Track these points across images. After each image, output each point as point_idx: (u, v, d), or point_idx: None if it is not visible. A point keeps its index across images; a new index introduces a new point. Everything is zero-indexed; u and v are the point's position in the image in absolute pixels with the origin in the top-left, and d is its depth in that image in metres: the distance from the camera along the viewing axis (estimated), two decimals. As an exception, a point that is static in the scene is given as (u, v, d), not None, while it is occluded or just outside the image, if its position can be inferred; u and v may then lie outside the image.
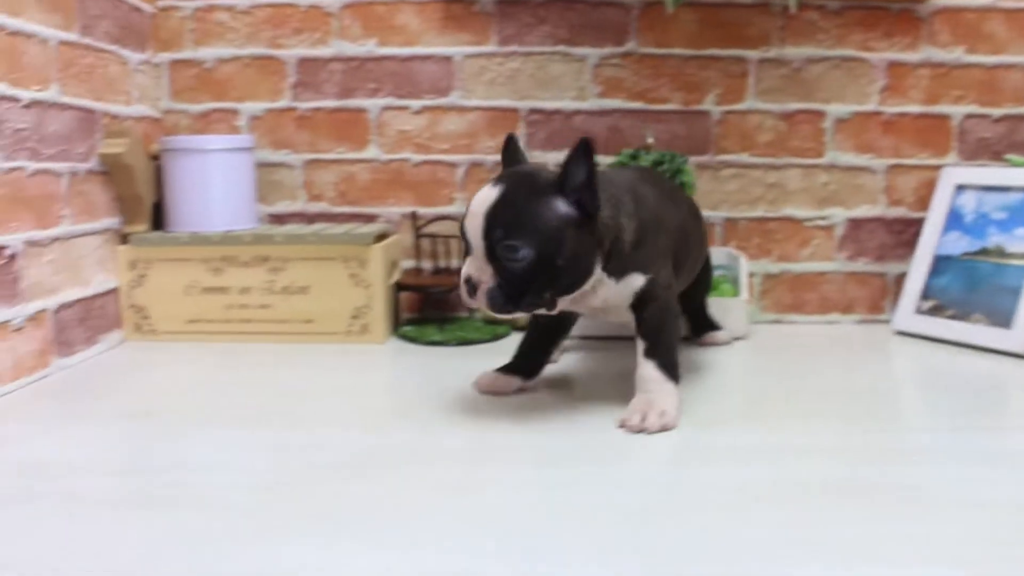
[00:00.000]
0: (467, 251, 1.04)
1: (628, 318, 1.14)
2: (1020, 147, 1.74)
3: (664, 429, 1.05)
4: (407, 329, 1.58)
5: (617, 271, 1.09)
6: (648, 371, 1.11)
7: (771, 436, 1.03)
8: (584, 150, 0.99)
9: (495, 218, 1.00)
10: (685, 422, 1.07)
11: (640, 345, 1.13)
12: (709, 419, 1.10)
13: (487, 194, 1.02)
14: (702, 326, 1.54)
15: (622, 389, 1.16)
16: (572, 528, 0.78)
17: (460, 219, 1.06)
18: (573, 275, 1.03)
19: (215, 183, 1.59)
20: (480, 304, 1.02)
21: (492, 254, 1.00)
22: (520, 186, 1.02)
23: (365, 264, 1.51)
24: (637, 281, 1.10)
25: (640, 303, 1.12)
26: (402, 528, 0.78)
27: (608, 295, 1.10)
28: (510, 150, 1.12)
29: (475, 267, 1.02)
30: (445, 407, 1.15)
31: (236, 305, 1.54)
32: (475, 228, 1.01)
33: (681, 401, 1.10)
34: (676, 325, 1.16)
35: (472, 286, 1.01)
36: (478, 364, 1.27)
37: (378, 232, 1.57)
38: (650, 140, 1.60)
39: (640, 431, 1.04)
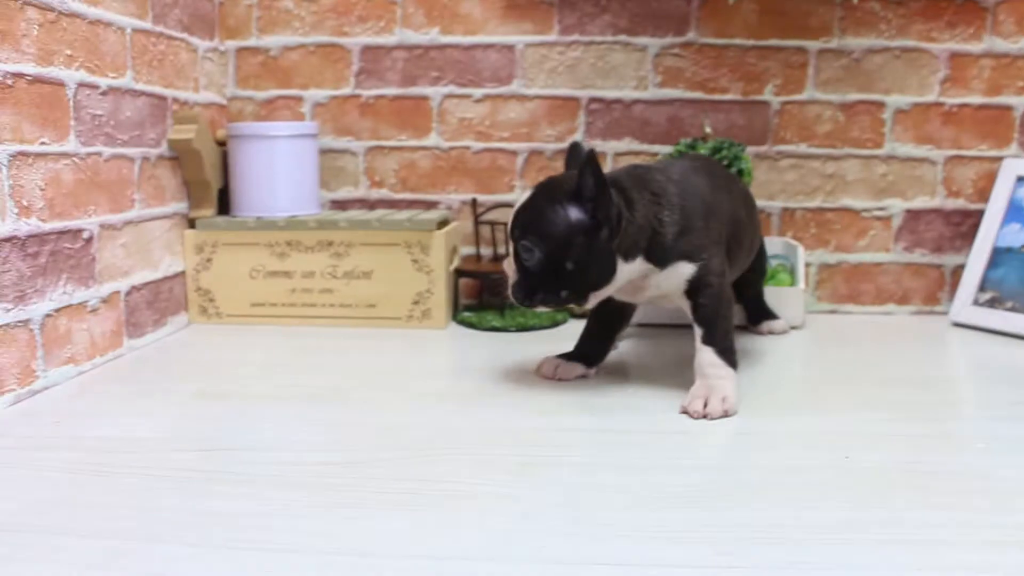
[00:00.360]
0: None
1: (684, 305, 1.16)
2: (1083, 139, 1.72)
3: (726, 415, 1.07)
4: (467, 315, 1.61)
5: (661, 260, 1.12)
6: (707, 357, 1.13)
7: (831, 423, 1.05)
8: (589, 164, 1.04)
9: (518, 219, 1.11)
10: (745, 408, 1.09)
11: (697, 332, 1.15)
12: (768, 406, 1.12)
13: (521, 198, 1.13)
14: (758, 314, 1.55)
15: (682, 376, 1.18)
16: (642, 511, 0.80)
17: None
18: (585, 278, 1.09)
19: (280, 169, 1.63)
20: (511, 297, 1.13)
21: (516, 252, 1.10)
22: (543, 192, 1.11)
23: (427, 250, 1.54)
24: (686, 269, 1.13)
25: (693, 290, 1.14)
26: (476, 507, 0.81)
27: (660, 283, 1.14)
28: (572, 157, 1.22)
29: (508, 262, 1.14)
30: (508, 390, 1.18)
31: (300, 289, 1.58)
32: (509, 227, 1.13)
33: (740, 387, 1.12)
34: (731, 312, 1.18)
35: (506, 281, 1.14)
36: (538, 349, 1.30)
37: (439, 219, 1.60)
38: (708, 129, 1.61)
39: (703, 416, 1.06)
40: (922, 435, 1.02)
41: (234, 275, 1.58)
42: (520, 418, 1.07)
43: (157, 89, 1.50)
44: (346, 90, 1.75)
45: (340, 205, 1.78)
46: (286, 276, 1.58)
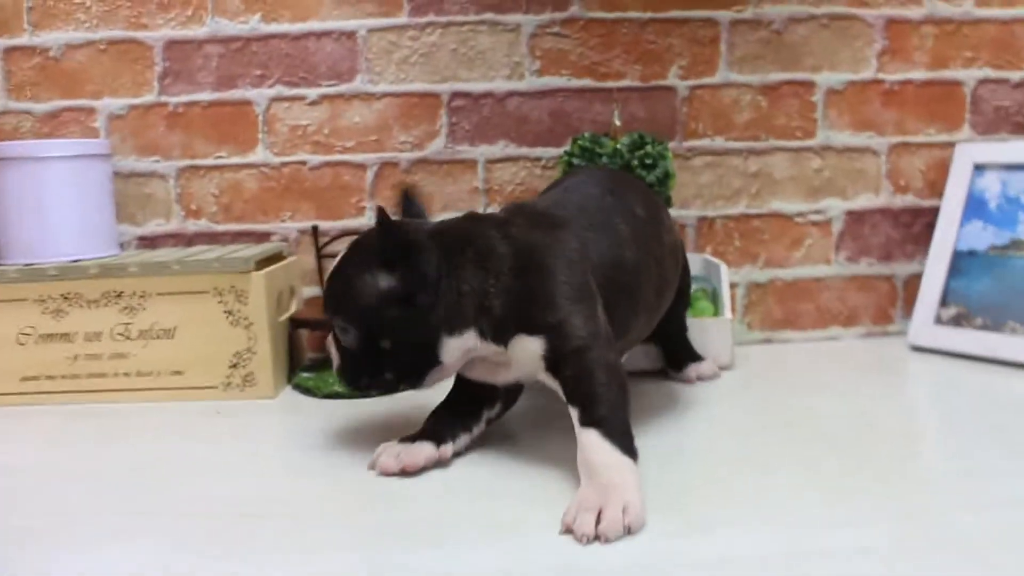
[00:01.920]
0: None
1: (555, 387, 0.87)
2: (1044, 116, 1.45)
3: (628, 532, 0.73)
4: (305, 377, 1.25)
5: (496, 335, 0.88)
6: (592, 445, 0.80)
7: (784, 538, 0.71)
8: (381, 223, 0.87)
9: (327, 292, 0.95)
10: (654, 519, 0.75)
11: (574, 413, 0.83)
12: (688, 512, 0.78)
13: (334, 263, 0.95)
14: (682, 356, 1.23)
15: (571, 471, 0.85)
16: None
17: None
18: (407, 358, 0.90)
19: (57, 200, 1.26)
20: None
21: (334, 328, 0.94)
22: (351, 256, 0.93)
23: (244, 297, 1.18)
24: (530, 344, 0.87)
25: (553, 366, 0.86)
26: None
27: (517, 362, 0.89)
28: (406, 206, 1.02)
29: (329, 339, 0.98)
30: (344, 486, 0.83)
31: (84, 356, 1.21)
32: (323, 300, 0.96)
33: (642, 485, 0.78)
34: (620, 382, 0.85)
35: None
36: (395, 421, 0.95)
37: (263, 254, 1.25)
38: (617, 122, 1.29)
39: (594, 539, 0.72)
40: (895, 521, 0.69)
41: (-2, 341, 1.20)
42: (354, 534, 0.71)
43: None
44: (148, 97, 1.39)
45: (150, 243, 1.41)
46: (65, 339, 1.21)
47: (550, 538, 0.72)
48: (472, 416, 0.95)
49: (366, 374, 0.92)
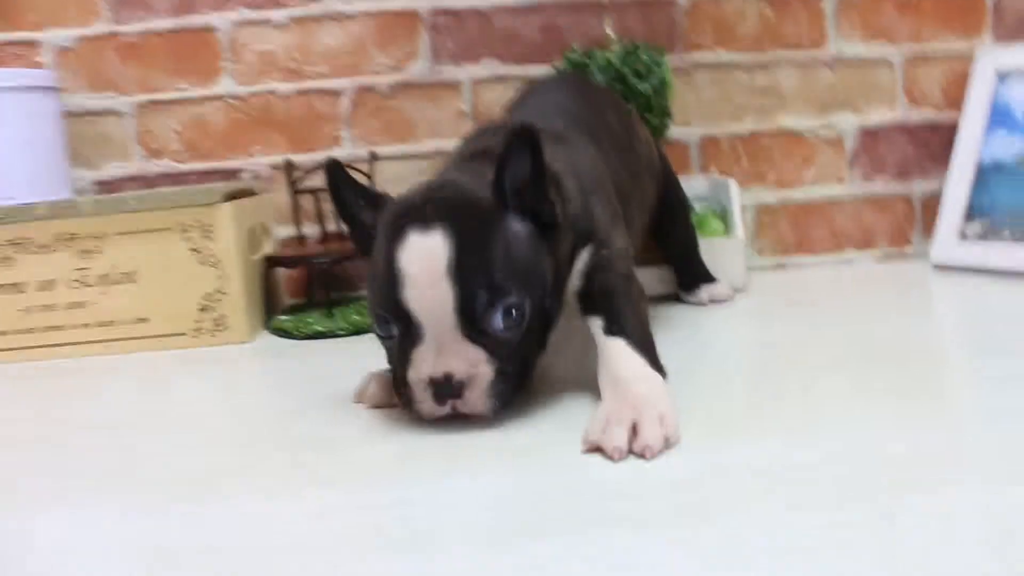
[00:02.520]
0: (407, 338, 0.69)
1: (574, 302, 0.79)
2: (1067, 21, 1.34)
3: (667, 445, 0.62)
4: (283, 319, 1.14)
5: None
6: (620, 355, 0.71)
7: (834, 441, 0.61)
8: (526, 145, 0.69)
9: (469, 277, 0.67)
10: (689, 434, 0.65)
11: (596, 324, 0.75)
12: (717, 424, 0.68)
13: (427, 246, 0.67)
14: (694, 277, 1.14)
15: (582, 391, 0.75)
16: None
17: (383, 292, 0.69)
18: (558, 311, 0.75)
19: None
20: (473, 408, 0.69)
21: (475, 331, 0.68)
22: (467, 219, 0.69)
23: (211, 233, 1.07)
24: (580, 259, 0.78)
25: (587, 276, 0.78)
26: None
27: None
28: (337, 182, 0.77)
29: (449, 359, 0.68)
30: (330, 431, 0.72)
31: (38, 307, 1.09)
32: (436, 302, 0.67)
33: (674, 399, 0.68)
34: (644, 296, 0.79)
35: (454, 387, 0.68)
36: (379, 360, 0.83)
37: (231, 189, 1.13)
38: (610, 32, 1.18)
39: (628, 454, 0.61)
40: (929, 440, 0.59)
41: (-57, 295, 1.09)
42: (348, 484, 0.61)
43: None
44: (99, 27, 1.27)
45: (109, 187, 1.29)
46: (15, 290, 1.10)
47: (573, 457, 0.62)
48: None
49: (531, 365, 0.73)
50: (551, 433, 0.67)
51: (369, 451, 0.68)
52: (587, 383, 0.75)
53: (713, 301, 1.12)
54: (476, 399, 0.68)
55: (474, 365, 0.67)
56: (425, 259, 0.67)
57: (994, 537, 0.47)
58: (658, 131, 1.14)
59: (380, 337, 0.72)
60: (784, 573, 0.44)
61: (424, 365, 0.68)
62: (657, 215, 1.07)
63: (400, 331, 0.69)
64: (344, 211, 0.77)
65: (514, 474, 0.60)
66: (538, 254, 0.71)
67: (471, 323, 0.67)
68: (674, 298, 1.15)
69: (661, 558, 0.47)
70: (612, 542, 0.49)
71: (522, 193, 0.70)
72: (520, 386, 0.71)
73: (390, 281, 0.68)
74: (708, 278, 1.14)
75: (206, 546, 0.53)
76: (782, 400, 0.73)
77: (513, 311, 0.68)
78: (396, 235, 0.69)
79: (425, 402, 0.69)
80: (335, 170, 0.76)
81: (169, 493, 0.62)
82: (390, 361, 0.73)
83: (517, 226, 0.70)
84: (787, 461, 0.59)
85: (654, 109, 1.13)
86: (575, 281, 0.78)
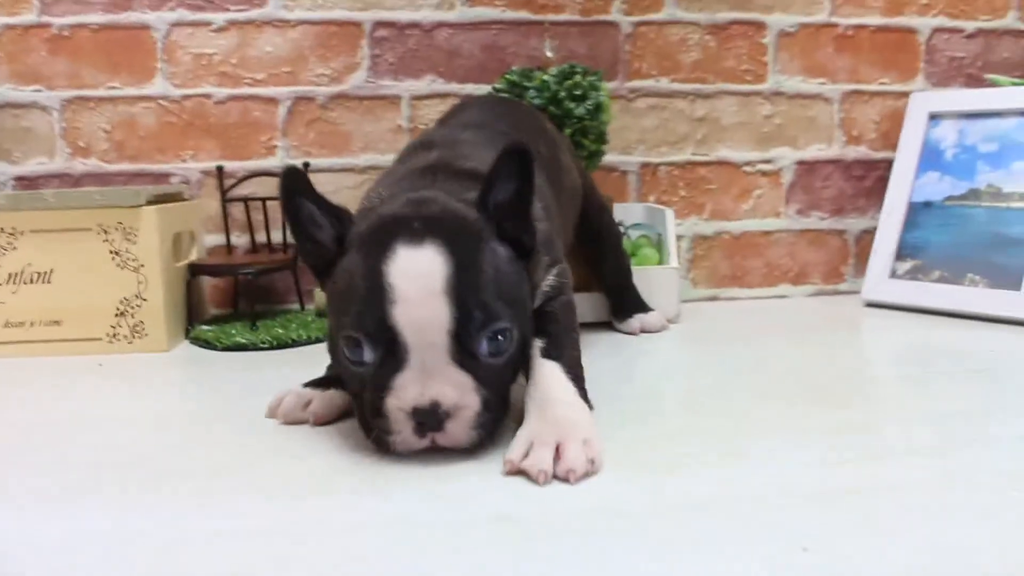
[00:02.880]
0: (387, 361, 0.63)
1: None
2: (998, 68, 1.38)
3: (589, 471, 0.61)
4: (204, 330, 1.11)
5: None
6: (554, 379, 0.69)
7: (748, 476, 0.60)
8: (518, 162, 0.66)
9: (466, 297, 0.63)
10: (609, 464, 0.63)
11: (535, 343, 0.72)
12: (646, 459, 0.66)
13: (421, 262, 0.63)
14: (627, 307, 1.13)
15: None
16: None
17: (362, 311, 0.63)
18: (531, 338, 0.71)
19: (-84, 129, 1.09)
20: (455, 440, 0.63)
21: (465, 355, 0.63)
22: (460, 238, 0.65)
23: (133, 235, 1.04)
24: (546, 281, 0.77)
25: (544, 301, 0.76)
26: None
27: None
28: (290, 186, 0.69)
29: (437, 385, 0.62)
30: (244, 446, 0.69)
31: (-55, 304, 1.05)
32: (430, 321, 0.62)
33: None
34: (577, 326, 0.79)
35: (438, 418, 0.62)
36: (299, 375, 0.80)
37: (159, 192, 1.10)
38: (549, 53, 1.17)
39: (552, 478, 0.60)
40: (883, 486, 0.58)
41: None
42: (262, 501, 0.58)
43: None
44: (28, 16, 1.23)
45: (30, 184, 1.25)
46: (-78, 286, 1.05)
47: (492, 482, 0.60)
48: None
49: (505, 397, 0.67)
50: (470, 459, 0.65)
51: (279, 465, 0.65)
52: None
53: (645, 331, 1.11)
54: (460, 431, 0.63)
55: (463, 393, 0.62)
56: (418, 275, 0.62)
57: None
58: (595, 156, 1.14)
59: (349, 363, 0.65)
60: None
61: (408, 392, 0.62)
62: (589, 243, 1.08)
63: (379, 355, 0.63)
64: (297, 224, 0.69)
65: (430, 496, 0.58)
66: (521, 278, 0.69)
67: (463, 346, 0.63)
68: (608, 326, 1.14)
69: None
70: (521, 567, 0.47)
71: (506, 214, 0.68)
72: (501, 418, 0.66)
73: (373, 298, 0.62)
74: (642, 307, 1.13)
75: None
76: (704, 430, 0.72)
77: (501, 336, 0.64)
78: (381, 250, 0.63)
79: (403, 433, 0.63)
80: (294, 177, 0.68)
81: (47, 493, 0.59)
82: (356, 390, 0.66)
83: (501, 249, 0.68)
84: (705, 492, 0.58)
85: (589, 133, 1.12)
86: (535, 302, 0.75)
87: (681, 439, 0.69)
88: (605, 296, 1.14)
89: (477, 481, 0.60)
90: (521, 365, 0.69)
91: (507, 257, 0.67)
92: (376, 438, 0.64)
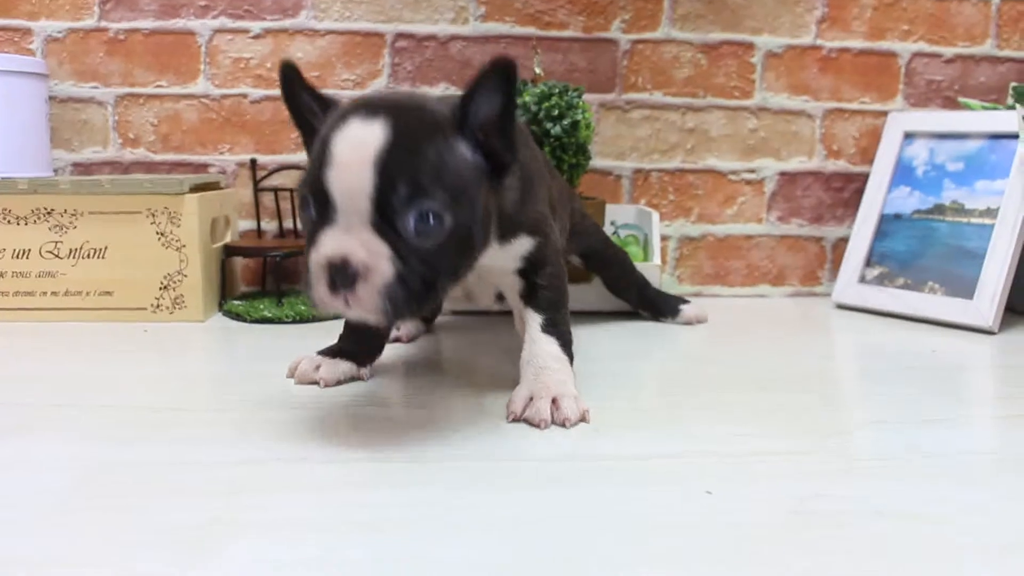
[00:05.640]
0: (320, 220, 0.69)
1: (511, 286, 0.87)
2: (974, 92, 1.49)
3: (583, 419, 0.77)
4: (235, 304, 1.25)
5: (504, 233, 0.81)
6: (549, 349, 0.84)
7: (689, 442, 0.74)
8: (502, 75, 0.69)
9: (394, 169, 0.66)
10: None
11: (534, 319, 0.85)
12: (612, 420, 0.80)
13: (363, 133, 0.67)
14: (668, 305, 1.26)
15: (491, 373, 0.86)
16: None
17: (310, 173, 0.70)
18: (479, 248, 0.74)
19: (-11, 117, 1.24)
20: (363, 306, 0.67)
21: (387, 226, 0.67)
22: (413, 121, 0.69)
23: (176, 219, 1.18)
24: (524, 245, 0.84)
25: (531, 268, 0.86)
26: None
27: (489, 263, 0.80)
28: (292, 85, 0.76)
29: (355, 244, 0.66)
30: (255, 402, 0.83)
31: (12, 273, 1.19)
32: (354, 185, 0.66)
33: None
34: (568, 298, 0.89)
35: (348, 276, 0.66)
36: (319, 346, 0.94)
37: (199, 181, 1.24)
38: (538, 70, 1.29)
39: (550, 424, 0.76)
40: (809, 454, 0.71)
41: (-76, 257, 1.19)
42: (285, 446, 0.72)
43: None
44: (89, 21, 1.37)
45: (85, 169, 1.40)
46: (-8, 257, 1.19)
47: (496, 428, 0.74)
48: (384, 337, 0.95)
49: (439, 284, 0.70)
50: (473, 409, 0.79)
51: (288, 415, 0.79)
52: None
53: (699, 320, 1.25)
54: (367, 296, 0.66)
55: (373, 257, 0.66)
56: (355, 144, 0.67)
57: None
58: (576, 168, 1.22)
59: (304, 219, 0.71)
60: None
61: (325, 247, 0.67)
62: (601, 271, 1.22)
63: (316, 213, 0.69)
64: (298, 115, 0.77)
65: (437, 442, 0.72)
66: (476, 182, 0.71)
67: (383, 215, 0.66)
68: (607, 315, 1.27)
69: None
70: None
71: (484, 128, 0.71)
72: (418, 303, 0.69)
73: (318, 162, 0.68)
74: (680, 300, 1.26)
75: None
76: (653, 404, 0.85)
77: (431, 217, 0.67)
78: (338, 122, 0.69)
79: (319, 288, 0.68)
80: (290, 73, 0.74)
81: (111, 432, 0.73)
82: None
83: (464, 149, 0.71)
84: (639, 450, 0.71)
85: (568, 148, 1.20)
86: (512, 262, 0.84)
87: (646, 408, 0.83)
88: (639, 309, 1.26)
89: (476, 428, 0.74)
90: (461, 264, 0.72)
91: (468, 159, 0.71)
92: (307, 290, 0.69)
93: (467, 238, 0.71)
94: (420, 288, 0.68)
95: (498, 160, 0.73)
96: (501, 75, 0.69)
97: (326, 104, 0.75)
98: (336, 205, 0.67)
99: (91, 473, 0.65)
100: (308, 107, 0.76)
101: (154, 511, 0.58)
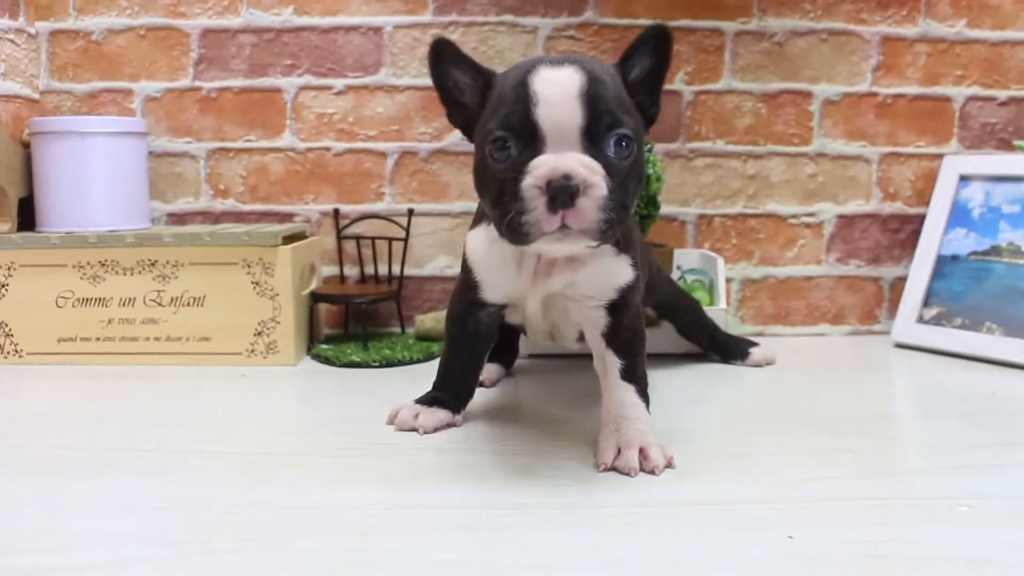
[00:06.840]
0: (524, 154, 0.75)
1: (595, 322, 0.91)
2: (1028, 133, 1.53)
3: (670, 466, 0.83)
4: (324, 348, 1.33)
5: (620, 242, 0.87)
6: (629, 398, 0.89)
7: (766, 486, 0.79)
8: (659, 39, 0.81)
9: (596, 102, 0.75)
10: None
11: (613, 364, 0.90)
12: (684, 465, 0.86)
13: (562, 76, 0.75)
14: (738, 348, 1.31)
15: (578, 422, 0.92)
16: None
17: (506, 116, 0.75)
18: (643, 184, 0.84)
19: (96, 173, 1.33)
20: (583, 220, 0.73)
21: (595, 149, 0.75)
22: (596, 68, 0.78)
23: (271, 270, 1.26)
24: (625, 271, 0.89)
25: (620, 305, 0.90)
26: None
27: (595, 278, 0.87)
28: (444, 59, 0.83)
29: (570, 162, 0.73)
30: (363, 447, 0.90)
31: (118, 320, 1.28)
32: (565, 116, 0.74)
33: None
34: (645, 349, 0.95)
35: (570, 191, 0.72)
36: (407, 389, 1.02)
37: (289, 232, 1.33)
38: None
39: (639, 472, 0.82)
40: (881, 499, 0.77)
41: (37, 304, 1.28)
42: (375, 490, 0.79)
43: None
44: (183, 82, 1.47)
45: (178, 219, 1.49)
46: (101, 304, 1.28)
47: (583, 478, 0.81)
48: (477, 368, 1.01)
49: (623, 210, 0.76)
50: (553, 456, 0.86)
51: (385, 461, 0.86)
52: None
53: (768, 363, 1.30)
54: (590, 209, 0.73)
55: (593, 173, 0.73)
56: (559, 84, 0.74)
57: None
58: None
59: (495, 164, 0.76)
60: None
61: (543, 169, 0.73)
62: (676, 322, 1.28)
63: (520, 148, 0.75)
64: (444, 89, 0.84)
65: (520, 487, 0.79)
66: (640, 124, 0.80)
67: (592, 141, 0.75)
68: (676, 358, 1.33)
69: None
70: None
71: (639, 87, 0.81)
72: (619, 222, 0.76)
73: (519, 102, 0.75)
74: (749, 343, 1.31)
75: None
76: (747, 447, 0.91)
77: (624, 142, 0.76)
78: (527, 72, 0.76)
79: (536, 211, 0.73)
80: (443, 47, 0.82)
81: (212, 475, 0.81)
82: (494, 196, 0.77)
83: (627, 95, 0.80)
84: (717, 495, 0.77)
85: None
86: (607, 289, 0.88)
87: (722, 451, 0.89)
88: (710, 352, 1.31)
89: (571, 474, 0.81)
90: (637, 193, 0.80)
91: (633, 102, 0.80)
92: (510, 225, 0.74)
93: (642, 168, 0.80)
94: (620, 210, 0.75)
95: (646, 114, 0.83)
96: (658, 39, 0.80)
97: (481, 72, 0.82)
98: (545, 137, 0.74)
99: (224, 515, 0.72)
100: (456, 83, 0.83)
101: (296, 551, 0.65)
